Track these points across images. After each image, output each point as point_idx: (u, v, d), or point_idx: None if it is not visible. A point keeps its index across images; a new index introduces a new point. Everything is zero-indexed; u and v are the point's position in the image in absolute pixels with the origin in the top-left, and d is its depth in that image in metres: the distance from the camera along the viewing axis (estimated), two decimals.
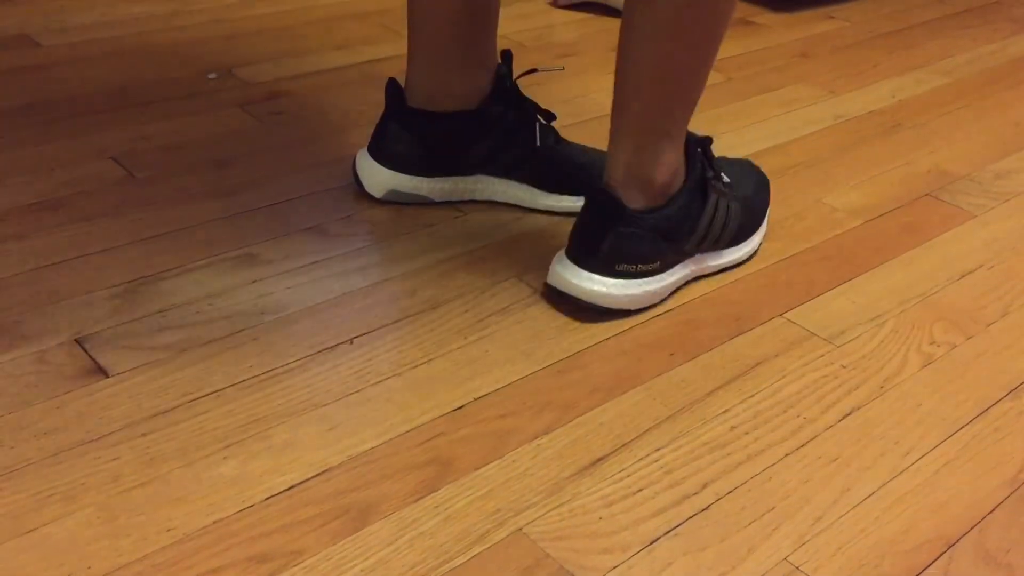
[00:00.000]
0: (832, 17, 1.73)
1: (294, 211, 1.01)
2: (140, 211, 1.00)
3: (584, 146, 1.05)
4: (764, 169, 1.17)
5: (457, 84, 0.98)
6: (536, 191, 1.03)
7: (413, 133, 0.99)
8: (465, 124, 0.99)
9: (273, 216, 1.00)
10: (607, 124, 1.26)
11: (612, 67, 1.43)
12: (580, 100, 1.32)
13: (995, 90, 1.45)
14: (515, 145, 1.00)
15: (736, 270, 0.97)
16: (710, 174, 0.89)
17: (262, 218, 1.00)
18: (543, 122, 1.01)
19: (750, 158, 1.19)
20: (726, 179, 0.93)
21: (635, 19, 0.80)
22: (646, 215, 0.85)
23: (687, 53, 0.80)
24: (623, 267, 0.85)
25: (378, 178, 1.02)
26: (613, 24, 1.62)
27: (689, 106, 0.84)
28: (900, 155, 1.23)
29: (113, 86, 1.26)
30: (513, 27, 1.57)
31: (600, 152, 1.05)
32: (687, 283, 0.94)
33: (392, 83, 1.00)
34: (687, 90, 0.83)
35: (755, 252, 0.98)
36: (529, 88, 1.35)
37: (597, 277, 0.86)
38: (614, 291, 0.86)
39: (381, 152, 1.01)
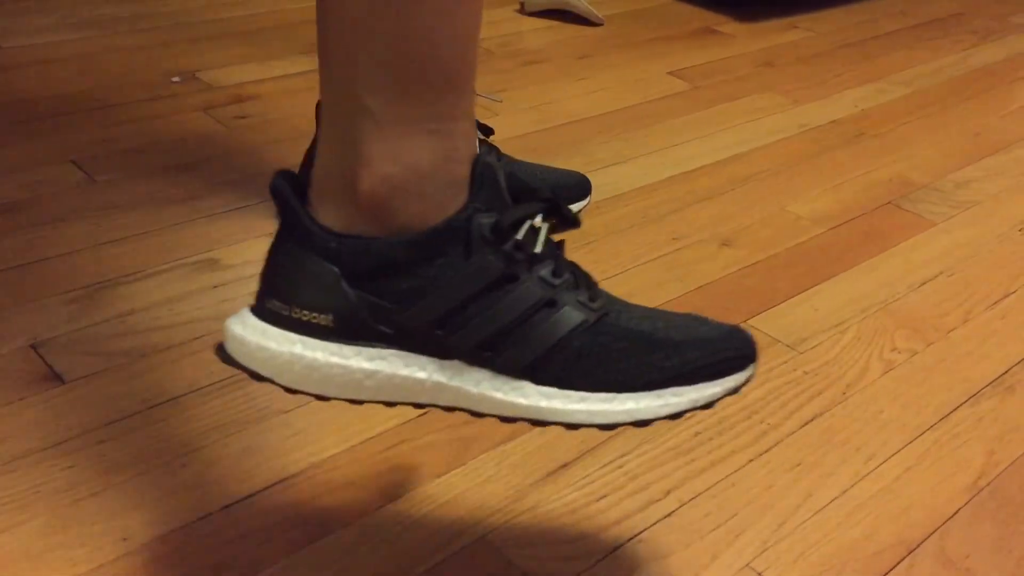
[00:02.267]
0: (796, 27, 1.74)
1: (257, 215, 1.00)
2: (100, 215, 0.98)
3: (523, 162, 1.04)
4: (729, 177, 1.18)
5: None
6: None
7: None
8: None
9: (235, 220, 0.99)
10: (575, 131, 1.27)
11: (581, 74, 1.44)
12: (547, 107, 1.32)
13: (956, 101, 1.47)
14: None
15: (703, 274, 0.97)
16: (515, 238, 0.53)
17: (224, 222, 0.99)
18: (481, 136, 1.00)
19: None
20: (562, 274, 0.55)
21: None
22: (333, 237, 0.53)
23: None
24: (273, 304, 0.55)
25: None
26: (581, 31, 1.62)
27: (422, 78, 0.51)
28: (863, 164, 1.24)
29: (75, 88, 1.24)
30: (481, 33, 1.57)
31: (538, 165, 1.04)
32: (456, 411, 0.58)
33: (320, 107, 0.96)
34: (407, 49, 0.51)
35: (644, 421, 0.55)
36: (496, 94, 1.34)
37: (245, 313, 0.56)
38: (247, 335, 0.55)
39: None
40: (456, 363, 0.55)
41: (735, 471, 0.74)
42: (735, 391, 0.56)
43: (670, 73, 1.48)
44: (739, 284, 0.97)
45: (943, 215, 1.13)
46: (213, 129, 1.17)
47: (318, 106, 0.96)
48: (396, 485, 0.70)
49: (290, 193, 0.55)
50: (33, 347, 0.79)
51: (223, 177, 1.07)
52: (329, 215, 0.54)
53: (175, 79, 1.29)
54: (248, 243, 0.95)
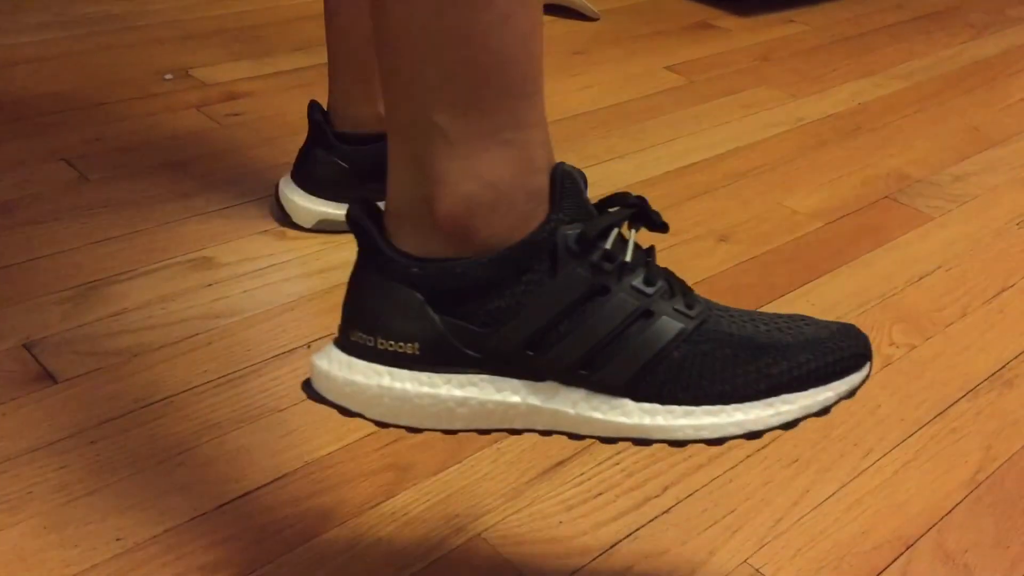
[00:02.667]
0: (793, 21, 1.74)
1: (250, 214, 1.00)
2: (92, 214, 0.97)
3: None
4: (726, 171, 1.17)
5: (378, 105, 0.93)
6: None
7: (341, 159, 0.95)
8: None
9: (229, 219, 0.99)
10: (570, 126, 1.26)
11: (576, 70, 1.44)
12: None
13: (953, 94, 1.46)
14: None
15: (700, 269, 0.97)
16: (603, 248, 0.51)
17: (218, 221, 0.98)
18: None
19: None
20: (657, 282, 0.52)
21: None
22: (414, 262, 0.52)
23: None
24: (358, 336, 0.53)
25: (305, 208, 0.96)
26: (577, 26, 1.62)
27: (489, 87, 0.49)
28: (860, 158, 1.24)
29: (66, 87, 1.24)
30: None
31: None
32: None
33: (314, 106, 0.95)
34: (472, 57, 0.49)
35: (756, 432, 0.53)
36: None
37: (330, 347, 0.55)
38: (333, 370, 0.53)
39: (307, 180, 0.96)
40: (550, 384, 0.52)
41: (732, 467, 0.73)
42: (851, 394, 0.53)
43: (666, 68, 1.48)
44: (736, 279, 0.96)
45: (941, 209, 1.13)
46: (206, 127, 1.17)
47: (310, 104, 0.95)
48: (391, 483, 0.69)
49: (367, 221, 0.53)
50: (26, 347, 0.79)
51: (216, 175, 1.06)
52: (408, 240, 0.52)
53: (167, 77, 1.29)
54: (241, 241, 0.95)
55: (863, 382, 0.53)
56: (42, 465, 0.68)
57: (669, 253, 0.99)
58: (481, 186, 0.50)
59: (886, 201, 1.14)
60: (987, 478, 0.74)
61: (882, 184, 1.17)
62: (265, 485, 0.68)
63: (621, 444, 0.74)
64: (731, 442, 0.76)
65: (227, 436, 0.72)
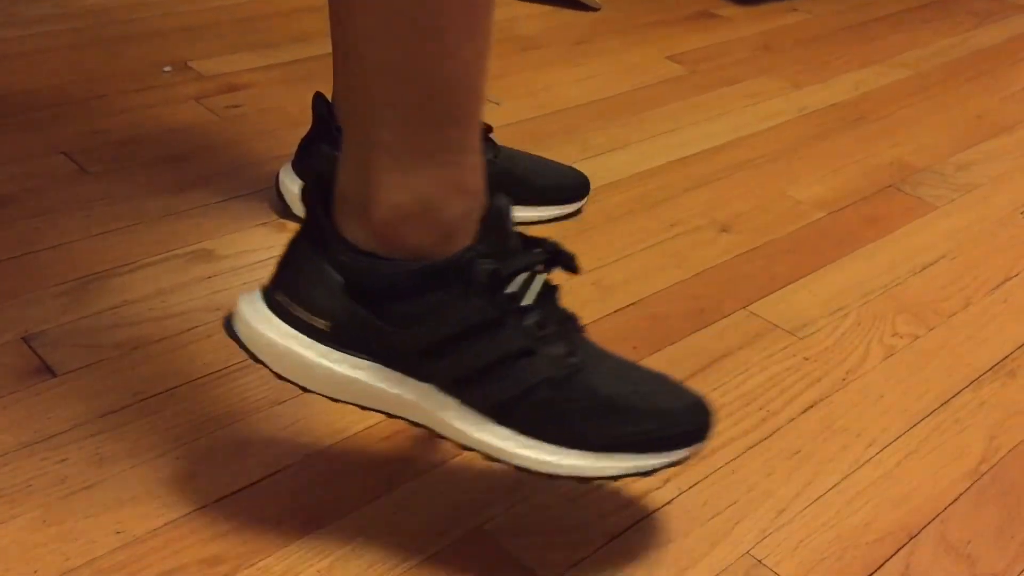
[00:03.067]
0: (795, 10, 1.73)
1: (250, 206, 0.99)
2: (92, 206, 0.97)
3: (524, 155, 1.03)
4: (728, 162, 1.17)
5: None
6: None
7: None
8: None
9: (228, 211, 0.98)
10: (571, 117, 1.25)
11: (576, 60, 1.43)
12: (543, 93, 1.31)
13: (957, 83, 1.45)
14: None
15: (702, 260, 0.96)
16: (510, 287, 0.57)
17: (217, 213, 0.98)
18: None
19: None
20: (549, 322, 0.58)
21: None
22: (347, 250, 0.57)
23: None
24: (281, 296, 0.59)
25: None
26: (578, 16, 1.61)
27: (430, 111, 0.54)
28: (863, 147, 1.23)
29: (65, 79, 1.23)
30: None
31: (540, 160, 1.03)
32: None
33: (319, 98, 0.94)
34: (416, 83, 0.53)
35: (585, 479, 0.59)
36: (492, 80, 1.33)
37: (257, 295, 0.60)
38: (253, 320, 0.59)
39: (310, 173, 0.91)
40: (430, 388, 0.58)
41: (734, 458, 0.73)
42: (675, 464, 0.60)
43: (668, 58, 1.47)
44: (738, 270, 0.96)
45: (944, 198, 1.12)
46: (205, 119, 1.16)
47: (316, 96, 0.95)
48: (391, 475, 0.69)
49: (316, 199, 0.58)
50: (25, 340, 0.79)
51: (216, 167, 1.06)
52: (348, 226, 0.58)
53: (166, 69, 1.28)
54: (241, 234, 0.95)
55: (690, 456, 0.60)
56: (42, 458, 0.68)
57: (670, 244, 0.99)
58: (413, 199, 0.56)
59: (889, 190, 1.13)
60: (990, 469, 0.74)
61: (885, 173, 1.17)
62: (265, 478, 0.68)
63: None
64: (732, 434, 0.76)
65: (227, 429, 0.72)
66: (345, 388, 0.59)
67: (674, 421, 0.59)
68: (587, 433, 0.58)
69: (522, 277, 0.57)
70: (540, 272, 0.58)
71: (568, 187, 1.01)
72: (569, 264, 0.59)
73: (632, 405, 0.59)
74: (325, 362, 0.58)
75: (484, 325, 0.56)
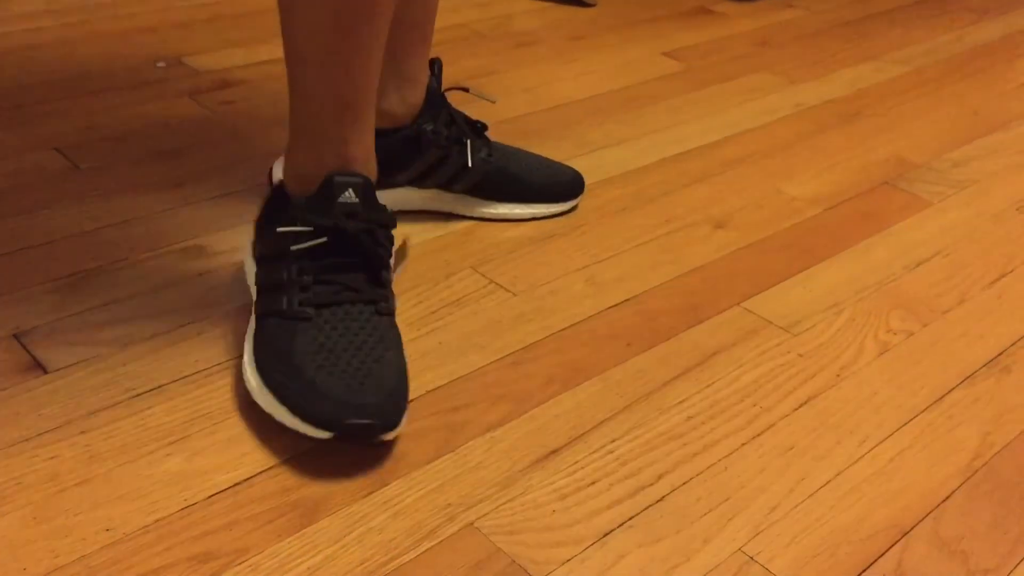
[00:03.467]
0: (792, 6, 1.73)
1: (243, 202, 0.99)
2: (84, 203, 0.97)
3: (518, 152, 1.02)
4: (723, 158, 1.17)
5: (388, 102, 0.93)
6: (472, 200, 0.99)
7: None
8: (398, 144, 0.94)
9: (221, 207, 0.98)
10: (567, 113, 1.25)
11: (572, 56, 1.43)
12: (539, 89, 1.31)
13: (953, 79, 1.45)
14: (449, 163, 0.95)
15: (697, 256, 0.96)
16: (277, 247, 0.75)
17: (210, 209, 0.97)
18: (474, 138, 0.97)
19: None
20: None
21: None
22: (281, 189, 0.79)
23: None
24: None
25: None
26: (574, 12, 1.60)
27: (321, 109, 0.74)
28: (859, 144, 1.23)
29: (58, 75, 1.23)
30: (472, 15, 1.55)
31: (535, 157, 1.02)
32: None
33: None
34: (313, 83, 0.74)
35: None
36: (488, 76, 1.33)
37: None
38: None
39: None
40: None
41: (728, 455, 0.73)
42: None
43: (664, 54, 1.47)
44: (732, 266, 0.96)
45: (940, 195, 1.12)
46: (199, 115, 1.16)
47: None
48: (383, 472, 0.69)
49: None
50: (16, 337, 0.78)
51: (209, 163, 1.06)
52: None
53: (160, 64, 1.28)
54: (234, 230, 0.94)
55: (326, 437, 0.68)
56: (32, 455, 0.68)
57: (665, 240, 0.99)
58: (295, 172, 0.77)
59: (885, 187, 1.13)
60: (984, 465, 0.74)
61: (881, 170, 1.17)
62: (256, 475, 0.68)
63: (617, 432, 0.74)
64: (726, 431, 0.75)
65: (218, 426, 0.71)
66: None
67: (331, 407, 0.67)
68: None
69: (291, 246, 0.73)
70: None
71: (563, 184, 1.01)
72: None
73: (313, 380, 0.69)
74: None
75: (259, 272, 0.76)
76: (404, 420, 0.70)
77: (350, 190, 0.73)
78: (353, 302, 0.73)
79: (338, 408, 0.67)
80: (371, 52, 0.72)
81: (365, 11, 0.69)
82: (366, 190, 0.74)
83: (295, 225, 0.73)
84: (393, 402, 0.69)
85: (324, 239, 0.73)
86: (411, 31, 0.92)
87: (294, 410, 0.68)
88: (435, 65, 0.95)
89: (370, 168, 0.78)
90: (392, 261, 0.80)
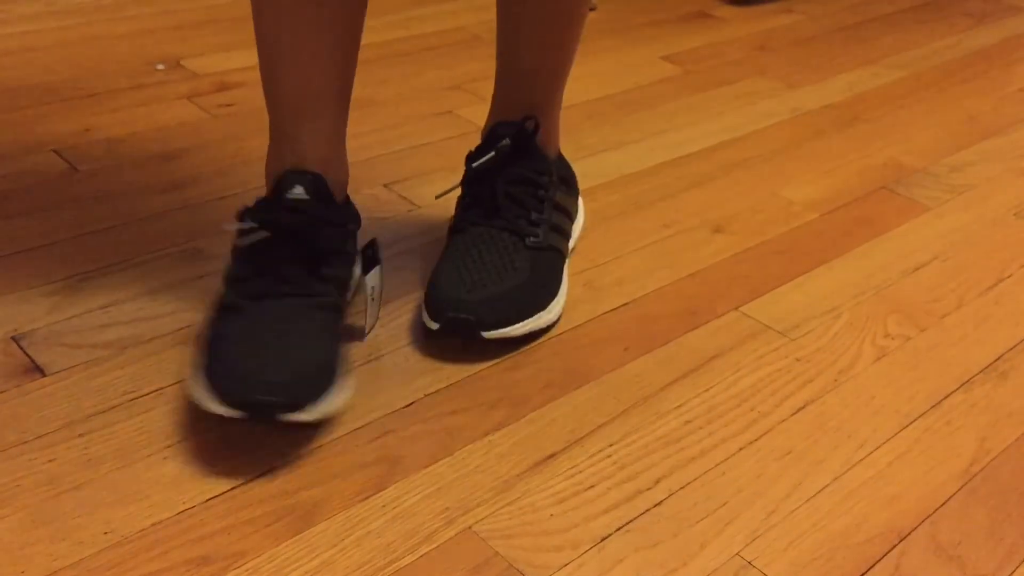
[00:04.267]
0: (790, 11, 1.73)
1: (241, 205, 0.99)
2: (82, 205, 0.97)
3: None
4: (721, 162, 1.17)
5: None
6: None
7: None
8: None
9: (220, 210, 0.98)
10: (565, 117, 1.24)
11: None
12: None
13: (951, 84, 1.46)
14: None
15: (695, 260, 0.96)
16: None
17: (208, 212, 0.97)
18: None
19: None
20: None
21: None
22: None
23: None
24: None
25: None
26: None
27: (281, 107, 0.78)
28: (856, 148, 1.23)
29: (56, 77, 1.23)
30: (471, 18, 1.55)
31: None
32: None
33: None
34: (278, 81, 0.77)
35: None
36: (486, 80, 1.33)
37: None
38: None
39: None
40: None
41: (725, 459, 0.73)
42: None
43: (662, 58, 1.47)
44: (731, 270, 0.96)
45: (937, 200, 1.12)
46: (197, 117, 1.16)
47: None
48: (381, 476, 0.69)
49: None
50: (14, 339, 0.78)
51: (207, 166, 1.06)
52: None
53: (159, 67, 1.28)
54: (233, 233, 0.94)
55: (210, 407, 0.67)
56: (30, 458, 0.68)
57: (663, 244, 0.99)
58: (266, 171, 0.80)
59: (883, 192, 1.13)
60: (981, 470, 0.74)
61: (879, 175, 1.17)
62: (255, 478, 0.68)
63: (614, 436, 0.74)
64: (723, 435, 0.75)
65: (216, 429, 0.71)
66: None
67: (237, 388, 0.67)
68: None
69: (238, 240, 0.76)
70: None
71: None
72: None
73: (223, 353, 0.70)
74: None
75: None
76: (324, 407, 0.68)
77: (299, 187, 0.74)
78: (289, 295, 0.73)
79: (244, 385, 0.66)
80: (328, 54, 0.74)
81: (311, 16, 0.72)
82: (318, 186, 0.74)
83: (242, 222, 0.74)
84: (307, 385, 0.67)
85: (266, 234, 0.74)
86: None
87: (205, 387, 0.67)
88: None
89: (332, 167, 0.79)
90: (368, 279, 0.80)
